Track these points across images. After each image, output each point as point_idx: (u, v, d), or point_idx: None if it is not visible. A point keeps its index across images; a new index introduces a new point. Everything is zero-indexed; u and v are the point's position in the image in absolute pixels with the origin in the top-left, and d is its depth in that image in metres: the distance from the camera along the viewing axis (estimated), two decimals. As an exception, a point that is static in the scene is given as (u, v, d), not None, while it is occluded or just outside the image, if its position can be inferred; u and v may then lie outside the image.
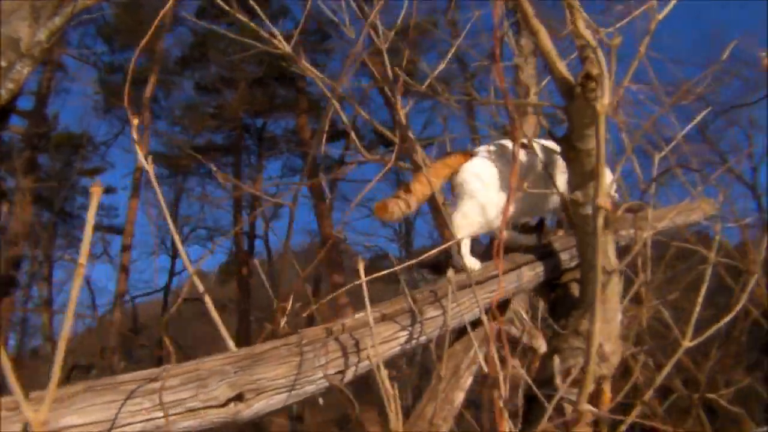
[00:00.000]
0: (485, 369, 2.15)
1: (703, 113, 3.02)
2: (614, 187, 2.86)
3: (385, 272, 2.23)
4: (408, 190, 2.64)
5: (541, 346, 2.75)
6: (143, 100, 17.35)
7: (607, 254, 2.36)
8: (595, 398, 2.35)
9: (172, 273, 21.41)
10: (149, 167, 2.02)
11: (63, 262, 21.31)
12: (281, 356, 1.87)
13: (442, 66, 3.17)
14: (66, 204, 21.12)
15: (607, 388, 2.34)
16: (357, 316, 2.05)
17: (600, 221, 2.03)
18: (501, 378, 2.09)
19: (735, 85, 17.67)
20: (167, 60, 19.39)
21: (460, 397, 2.32)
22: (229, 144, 21.23)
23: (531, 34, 2.42)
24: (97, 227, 21.70)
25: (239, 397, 1.74)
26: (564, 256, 2.80)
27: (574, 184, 2.41)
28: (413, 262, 2.48)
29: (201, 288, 2.01)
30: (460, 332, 2.52)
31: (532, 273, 2.69)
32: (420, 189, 2.67)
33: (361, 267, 2.02)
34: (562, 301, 2.75)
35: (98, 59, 20.21)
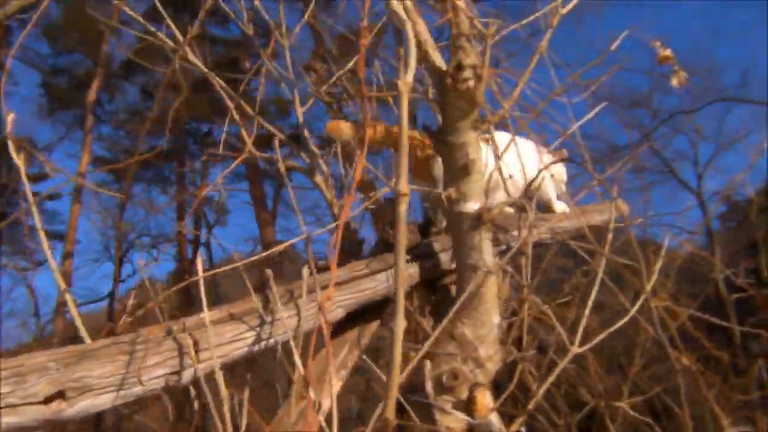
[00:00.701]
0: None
1: (600, 107, 2.92)
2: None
3: (227, 267, 2.12)
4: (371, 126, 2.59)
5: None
6: (86, 104, 17.07)
7: (481, 254, 2.23)
8: (469, 406, 2.22)
9: (116, 280, 21.00)
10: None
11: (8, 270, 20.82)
12: (110, 354, 1.75)
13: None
14: (9, 210, 20.64)
15: (482, 395, 2.21)
16: (201, 315, 1.91)
17: (468, 220, 1.93)
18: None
19: (681, 94, 17.93)
20: (112, 63, 19.13)
21: (327, 404, 2.17)
22: (172, 149, 20.98)
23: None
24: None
25: (61, 395, 1.63)
26: (444, 257, 2.67)
27: (447, 181, 2.29)
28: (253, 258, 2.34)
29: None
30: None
31: (404, 274, 2.54)
32: (381, 132, 2.65)
33: (199, 262, 1.91)
34: (442, 304, 2.63)
35: (42, 62, 19.87)
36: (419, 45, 2.25)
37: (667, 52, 2.82)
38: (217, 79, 2.96)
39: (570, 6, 2.62)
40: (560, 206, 3.31)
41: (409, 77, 1.45)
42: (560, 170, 3.41)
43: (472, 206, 2.23)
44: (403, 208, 1.40)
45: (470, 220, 2.22)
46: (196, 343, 1.87)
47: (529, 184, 2.72)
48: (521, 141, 3.20)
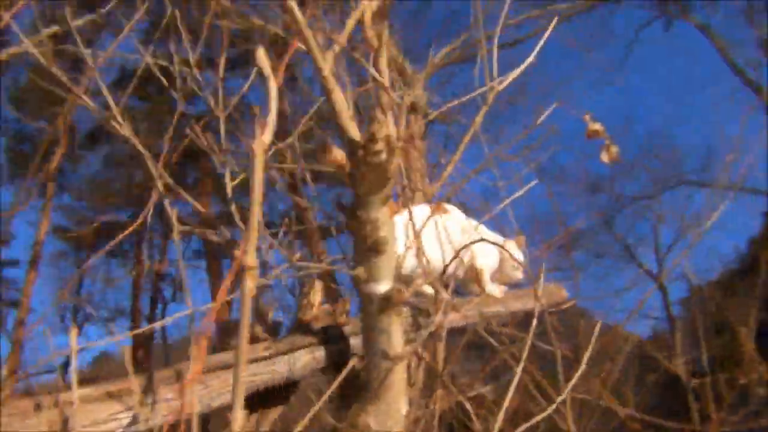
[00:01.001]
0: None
1: (530, 184, 2.87)
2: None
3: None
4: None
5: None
6: (48, 172, 16.89)
7: (390, 338, 2.10)
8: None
9: (69, 355, 20.47)
10: None
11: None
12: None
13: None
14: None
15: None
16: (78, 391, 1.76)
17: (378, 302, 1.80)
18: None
19: (644, 178, 18.15)
20: (77, 133, 19.01)
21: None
22: (131, 223, 20.71)
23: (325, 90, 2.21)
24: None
25: None
26: (355, 341, 2.52)
27: (357, 259, 2.16)
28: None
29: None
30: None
31: (309, 357, 2.41)
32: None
33: (73, 335, 1.78)
34: (349, 391, 2.46)
35: (8, 127, 19.70)
36: (336, 114, 2.16)
37: (597, 126, 2.75)
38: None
39: (505, 83, 2.61)
40: (491, 289, 3.18)
41: (267, 137, 1.33)
42: (518, 256, 3.30)
43: (381, 287, 2.10)
44: (250, 284, 1.25)
45: (379, 301, 2.09)
46: (65, 421, 1.72)
47: (445, 268, 2.59)
48: (467, 221, 3.20)
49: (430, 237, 2.86)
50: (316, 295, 2.60)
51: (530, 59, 2.66)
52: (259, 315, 2.77)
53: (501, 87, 2.61)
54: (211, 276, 16.18)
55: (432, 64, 7.86)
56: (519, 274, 3.30)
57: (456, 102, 3.13)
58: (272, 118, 1.38)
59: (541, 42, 2.72)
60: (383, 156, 1.98)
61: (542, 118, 2.67)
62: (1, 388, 1.89)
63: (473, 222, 3.16)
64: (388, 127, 2.02)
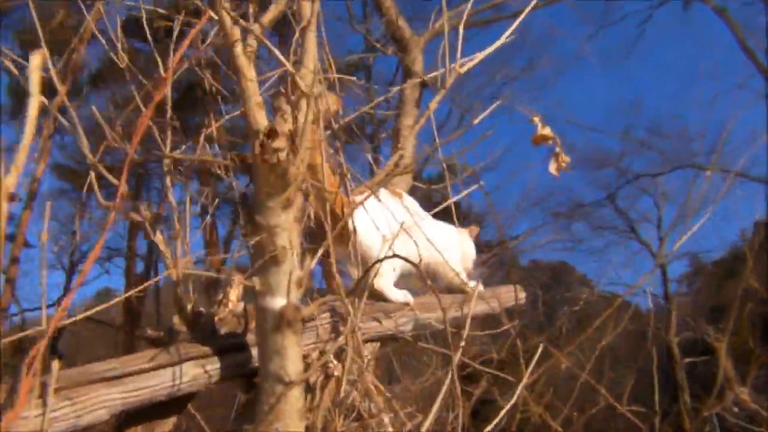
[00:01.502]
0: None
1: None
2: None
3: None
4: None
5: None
6: (49, 110, 16.68)
7: (285, 360, 1.85)
8: None
9: (66, 289, 20.54)
10: None
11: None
12: None
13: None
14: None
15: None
16: None
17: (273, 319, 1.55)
18: None
19: (651, 156, 17.81)
20: (82, 71, 18.80)
21: None
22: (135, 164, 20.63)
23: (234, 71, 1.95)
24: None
25: None
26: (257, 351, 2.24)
27: (254, 267, 1.90)
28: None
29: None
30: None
31: (199, 371, 2.07)
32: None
33: None
34: (250, 408, 2.18)
35: (15, 64, 19.49)
36: (243, 100, 1.91)
37: (546, 131, 2.50)
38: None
39: (467, 66, 2.40)
40: (473, 284, 2.98)
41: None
42: (469, 248, 3.13)
43: (277, 302, 1.85)
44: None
45: (274, 318, 1.84)
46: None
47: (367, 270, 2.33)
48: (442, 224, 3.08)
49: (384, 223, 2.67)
50: (235, 291, 2.33)
51: (500, 41, 2.47)
52: (177, 305, 2.53)
53: (463, 70, 2.39)
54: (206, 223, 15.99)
55: (432, 29, 7.55)
56: (470, 264, 3.11)
57: (414, 81, 2.88)
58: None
59: (514, 25, 2.48)
60: (283, 155, 1.73)
61: (481, 117, 2.42)
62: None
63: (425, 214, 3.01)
64: (292, 121, 1.77)
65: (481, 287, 2.96)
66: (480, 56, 2.43)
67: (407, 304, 2.65)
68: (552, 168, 2.58)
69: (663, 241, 16.85)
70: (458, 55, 2.36)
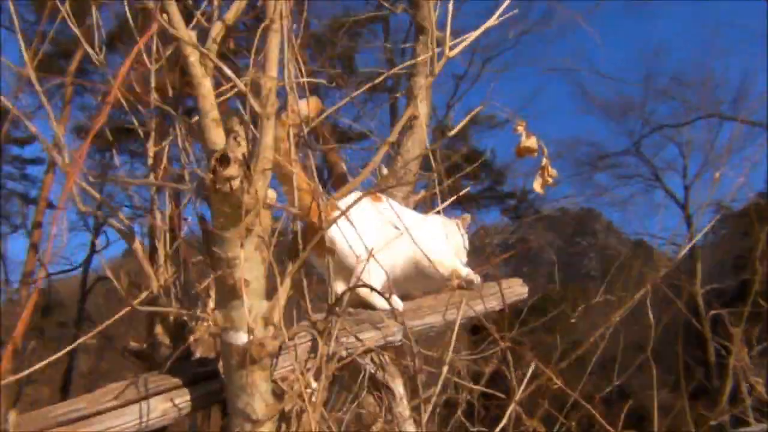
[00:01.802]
0: None
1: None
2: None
3: None
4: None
5: (398, 386, 2.55)
6: (68, 73, 16.65)
7: (252, 397, 1.72)
8: None
9: (92, 251, 20.54)
10: None
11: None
12: None
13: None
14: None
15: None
16: None
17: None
18: None
19: (674, 105, 17.47)
20: (99, 33, 18.67)
21: None
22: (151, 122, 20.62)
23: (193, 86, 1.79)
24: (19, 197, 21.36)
25: None
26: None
27: (216, 301, 1.77)
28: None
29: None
30: None
31: (168, 405, 1.91)
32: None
33: None
34: None
35: (29, 28, 19.39)
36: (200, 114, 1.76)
37: (531, 141, 2.35)
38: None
39: (456, 51, 2.40)
40: (468, 273, 2.83)
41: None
42: (460, 238, 2.98)
43: (240, 338, 1.72)
44: None
45: (238, 355, 1.71)
46: None
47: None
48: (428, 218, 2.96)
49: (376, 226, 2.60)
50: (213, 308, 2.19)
51: (489, 23, 2.45)
52: (159, 316, 2.42)
53: (452, 53, 2.38)
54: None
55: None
56: (464, 257, 2.96)
57: (400, 68, 2.77)
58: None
59: (503, 6, 2.45)
60: (236, 183, 1.58)
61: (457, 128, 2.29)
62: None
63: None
64: (246, 144, 1.61)
65: (478, 279, 2.84)
66: (471, 37, 2.41)
67: (396, 310, 2.51)
68: (537, 185, 2.43)
69: (689, 190, 16.61)
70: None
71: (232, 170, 1.58)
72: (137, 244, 2.50)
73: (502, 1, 2.42)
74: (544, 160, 2.40)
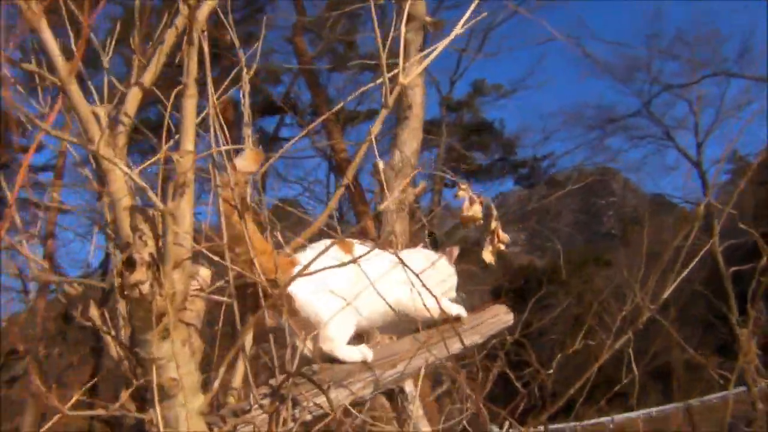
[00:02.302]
0: None
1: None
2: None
3: None
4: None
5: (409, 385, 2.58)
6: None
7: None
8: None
9: (108, 253, 20.51)
10: None
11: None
12: None
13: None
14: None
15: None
16: None
17: None
18: None
19: (680, 63, 17.16)
20: (96, 36, 18.54)
21: None
22: (161, 121, 20.55)
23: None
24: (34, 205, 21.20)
25: None
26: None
27: (149, 401, 1.64)
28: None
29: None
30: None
31: None
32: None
33: None
34: None
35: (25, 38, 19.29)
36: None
37: (474, 210, 2.17)
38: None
39: (411, 77, 2.30)
40: (456, 309, 2.68)
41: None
42: (448, 272, 2.78)
43: (179, 437, 1.59)
44: None
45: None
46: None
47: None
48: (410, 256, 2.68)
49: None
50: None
51: (452, 35, 2.30)
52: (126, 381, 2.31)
53: (406, 81, 2.19)
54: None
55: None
56: (452, 293, 2.77)
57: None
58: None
59: (466, 14, 2.32)
60: (146, 287, 1.44)
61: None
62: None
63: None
64: (155, 241, 1.47)
65: (463, 313, 2.68)
66: (427, 61, 2.32)
67: (365, 362, 2.36)
68: (487, 254, 2.27)
69: (701, 147, 16.35)
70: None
71: (139, 274, 1.45)
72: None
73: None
74: (494, 224, 2.24)
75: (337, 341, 2.36)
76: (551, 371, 5.58)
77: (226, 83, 2.44)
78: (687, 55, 16.58)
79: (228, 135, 2.08)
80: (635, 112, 18.16)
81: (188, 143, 1.68)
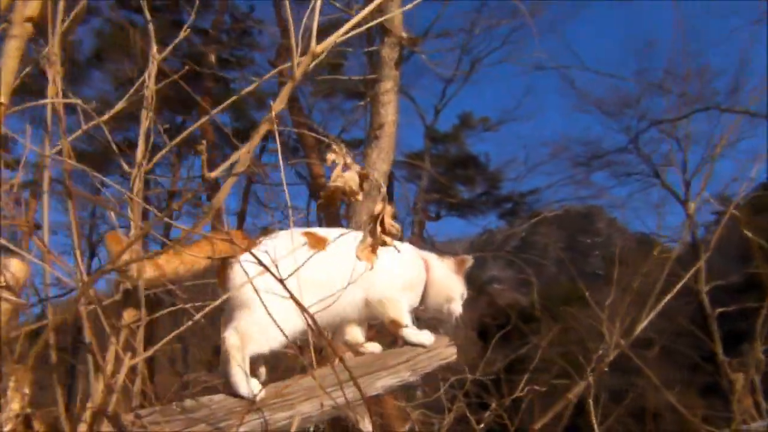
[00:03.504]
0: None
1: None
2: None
3: None
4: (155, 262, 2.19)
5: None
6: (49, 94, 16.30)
7: None
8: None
9: (88, 272, 20.12)
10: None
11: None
12: None
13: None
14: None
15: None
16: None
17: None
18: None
19: (670, 98, 16.97)
20: (79, 52, 18.39)
21: None
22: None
23: None
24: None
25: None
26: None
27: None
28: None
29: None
30: None
31: None
32: (167, 263, 2.23)
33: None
34: None
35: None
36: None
37: (347, 179, 1.89)
38: None
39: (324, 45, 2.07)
40: (415, 336, 2.54)
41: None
42: (455, 281, 2.70)
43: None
44: None
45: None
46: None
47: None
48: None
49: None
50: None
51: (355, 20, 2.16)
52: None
53: (320, 49, 2.06)
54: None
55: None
56: (458, 307, 2.72)
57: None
58: None
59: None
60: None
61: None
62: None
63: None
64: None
65: (427, 342, 2.52)
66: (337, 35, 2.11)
67: (253, 401, 2.02)
68: (364, 250, 1.93)
69: (689, 185, 16.18)
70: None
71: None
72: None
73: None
74: (380, 206, 1.91)
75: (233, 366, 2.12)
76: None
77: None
78: (677, 90, 16.38)
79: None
80: (622, 147, 17.97)
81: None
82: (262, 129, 1.97)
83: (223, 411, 1.95)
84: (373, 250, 1.97)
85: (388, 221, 1.91)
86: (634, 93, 18.11)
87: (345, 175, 1.90)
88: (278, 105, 1.99)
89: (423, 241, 15.48)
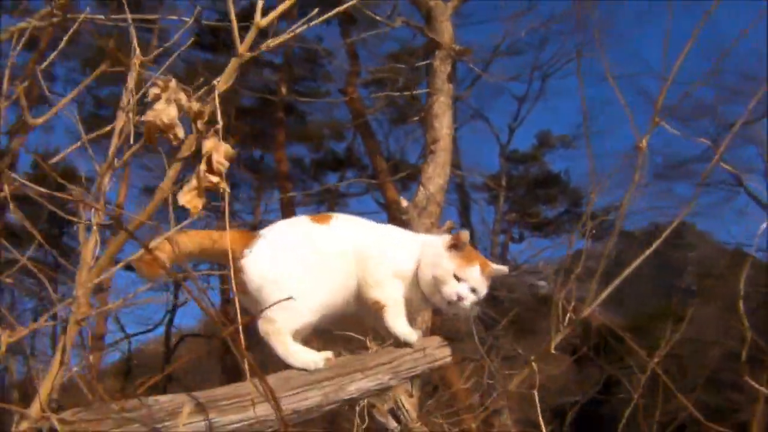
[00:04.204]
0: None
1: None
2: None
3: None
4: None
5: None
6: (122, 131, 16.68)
7: None
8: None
9: (174, 307, 20.30)
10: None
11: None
12: None
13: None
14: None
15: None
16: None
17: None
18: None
19: (747, 102, 16.21)
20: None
21: None
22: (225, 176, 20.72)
23: None
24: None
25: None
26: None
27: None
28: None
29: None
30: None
31: None
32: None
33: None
34: None
35: (84, 92, 19.58)
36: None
37: (165, 114, 1.65)
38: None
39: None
40: (404, 330, 2.40)
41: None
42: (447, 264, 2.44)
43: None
44: None
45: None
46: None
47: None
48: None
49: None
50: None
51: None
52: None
53: (263, 22, 2.01)
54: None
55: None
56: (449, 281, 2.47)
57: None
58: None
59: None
60: None
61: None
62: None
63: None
64: None
65: (413, 339, 2.38)
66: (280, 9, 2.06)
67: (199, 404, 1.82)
68: (187, 195, 1.69)
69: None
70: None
71: None
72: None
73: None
74: (209, 143, 1.67)
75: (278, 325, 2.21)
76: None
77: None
78: (753, 94, 15.69)
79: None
80: (702, 156, 17.32)
81: None
82: (207, 111, 1.76)
83: (163, 412, 1.81)
84: (199, 194, 1.76)
85: (217, 159, 1.69)
86: (708, 99, 17.45)
87: (157, 108, 1.66)
88: (223, 84, 1.90)
89: (506, 263, 15.13)
